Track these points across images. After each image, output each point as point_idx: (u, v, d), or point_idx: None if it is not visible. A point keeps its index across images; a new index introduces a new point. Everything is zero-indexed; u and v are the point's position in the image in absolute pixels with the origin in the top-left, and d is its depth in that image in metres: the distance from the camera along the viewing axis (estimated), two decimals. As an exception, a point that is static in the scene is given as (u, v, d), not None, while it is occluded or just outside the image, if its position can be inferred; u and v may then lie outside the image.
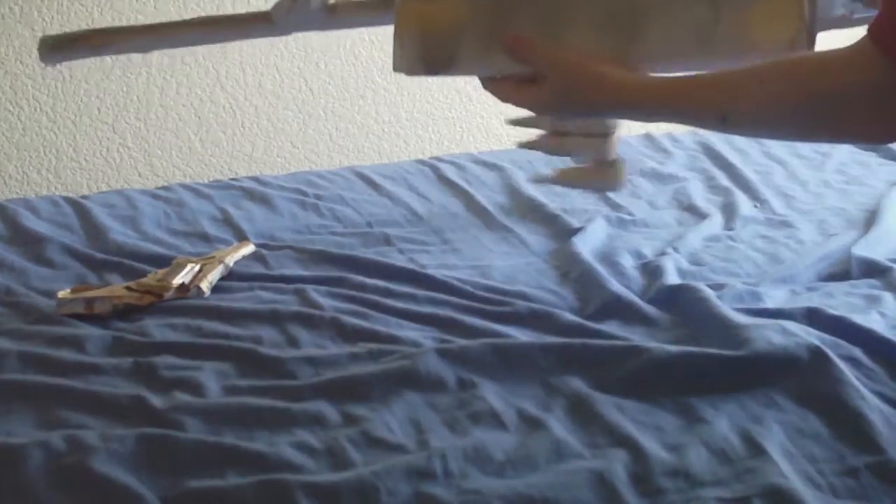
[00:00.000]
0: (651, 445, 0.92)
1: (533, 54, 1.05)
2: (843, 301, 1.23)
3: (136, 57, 2.14)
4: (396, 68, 1.10)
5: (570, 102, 1.12)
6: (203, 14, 2.18)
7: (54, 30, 2.06)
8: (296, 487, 0.86)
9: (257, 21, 1.22)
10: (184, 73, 2.18)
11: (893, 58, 0.86)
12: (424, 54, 1.08)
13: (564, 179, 1.50)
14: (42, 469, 0.89)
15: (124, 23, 2.12)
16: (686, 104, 1.02)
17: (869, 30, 0.88)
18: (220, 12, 2.19)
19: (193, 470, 0.90)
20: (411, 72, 1.10)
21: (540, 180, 1.64)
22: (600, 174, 1.45)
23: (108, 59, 2.12)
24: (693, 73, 1.01)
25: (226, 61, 2.22)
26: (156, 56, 2.16)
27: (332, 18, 1.20)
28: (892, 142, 0.96)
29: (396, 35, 1.09)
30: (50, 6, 2.06)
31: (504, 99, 1.12)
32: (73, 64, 2.09)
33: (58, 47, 1.30)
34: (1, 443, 0.93)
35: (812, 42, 1.04)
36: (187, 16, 2.16)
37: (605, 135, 1.47)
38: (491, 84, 1.11)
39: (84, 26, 2.08)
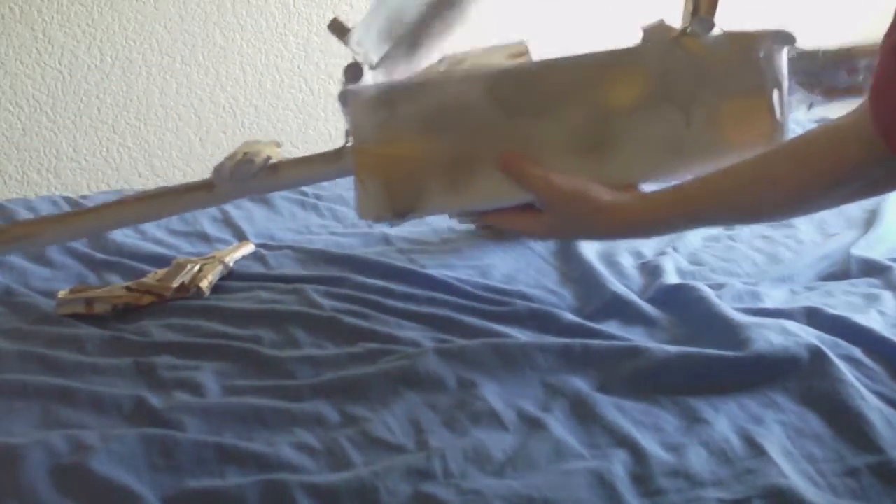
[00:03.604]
0: (651, 445, 0.92)
1: (527, 179, 1.03)
2: (842, 300, 1.23)
3: (137, 57, 2.14)
4: (363, 216, 1.07)
5: (574, 232, 1.12)
6: (204, 9, 2.18)
7: (54, 29, 2.06)
8: (296, 487, 0.86)
9: (198, 191, 1.19)
10: (184, 73, 2.19)
11: (876, 123, 0.84)
12: (391, 199, 1.05)
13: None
14: (42, 469, 0.89)
15: (124, 22, 2.12)
16: (696, 218, 1.03)
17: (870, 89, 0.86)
18: (220, 11, 2.19)
19: (193, 470, 0.90)
20: (379, 219, 1.07)
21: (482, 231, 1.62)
22: None
23: (108, 58, 2.12)
24: (692, 179, 1.00)
25: (226, 61, 2.22)
26: (156, 56, 2.16)
27: (275, 178, 1.17)
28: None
29: (359, 183, 1.05)
30: (50, 6, 2.06)
31: (505, 227, 1.10)
32: (73, 64, 2.09)
33: None
34: (1, 443, 0.93)
35: (785, 130, 1.04)
36: (187, 14, 2.17)
37: None
38: (485, 217, 1.09)
39: (84, 26, 2.08)
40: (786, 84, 1.04)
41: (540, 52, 1.11)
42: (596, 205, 1.02)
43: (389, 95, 1.04)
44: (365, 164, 1.05)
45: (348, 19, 1.10)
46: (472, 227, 1.59)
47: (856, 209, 1.63)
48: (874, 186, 0.94)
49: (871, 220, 1.55)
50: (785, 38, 1.03)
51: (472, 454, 0.91)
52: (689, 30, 1.03)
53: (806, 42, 1.11)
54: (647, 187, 1.06)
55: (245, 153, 1.15)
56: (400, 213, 1.07)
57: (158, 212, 1.23)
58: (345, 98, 1.06)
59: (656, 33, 1.04)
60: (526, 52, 1.08)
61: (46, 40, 2.07)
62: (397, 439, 0.95)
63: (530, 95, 1.04)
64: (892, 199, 1.62)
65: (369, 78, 1.05)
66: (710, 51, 1.03)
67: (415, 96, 1.04)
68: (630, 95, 1.03)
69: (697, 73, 1.03)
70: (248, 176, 1.13)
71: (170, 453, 0.92)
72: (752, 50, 1.03)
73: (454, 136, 1.04)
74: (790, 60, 1.06)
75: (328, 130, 2.34)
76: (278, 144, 1.20)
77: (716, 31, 1.03)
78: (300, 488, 0.86)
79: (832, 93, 1.15)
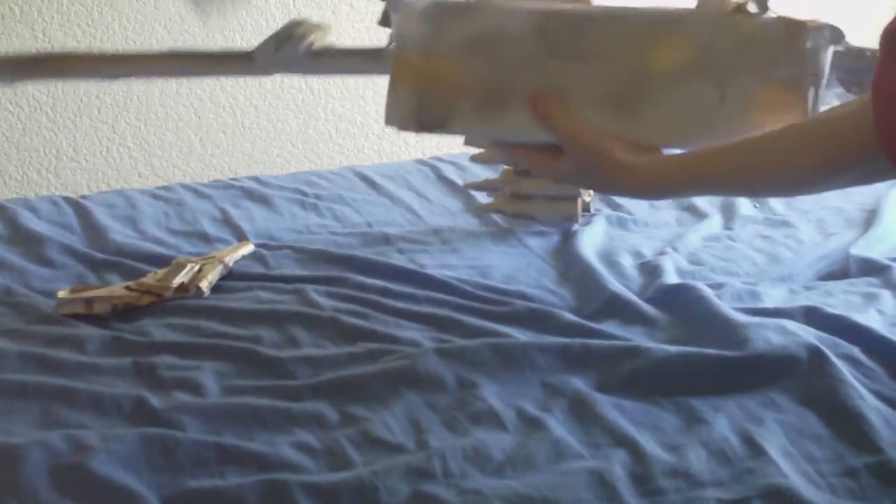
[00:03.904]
0: (651, 445, 0.93)
1: (553, 121, 1.05)
2: (841, 300, 1.24)
3: (136, 57, 2.14)
4: (388, 122, 1.09)
5: (588, 183, 1.15)
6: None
7: (54, 29, 2.06)
8: (296, 487, 0.86)
9: (238, 60, 1.22)
10: (184, 72, 2.18)
11: (877, 126, 0.85)
12: (419, 113, 1.07)
13: (514, 210, 1.52)
14: (42, 469, 0.89)
15: (124, 22, 2.12)
16: (706, 190, 1.08)
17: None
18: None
19: (193, 470, 0.90)
20: (403, 127, 1.09)
21: (483, 210, 1.63)
22: (553, 207, 1.48)
23: (107, 58, 2.12)
24: (712, 150, 1.01)
25: (225, 61, 2.21)
26: (156, 56, 2.16)
27: (315, 63, 1.20)
28: None
29: (392, 89, 1.07)
30: (50, 6, 2.06)
31: (523, 162, 1.12)
32: (73, 64, 2.09)
33: (16, 66, 1.29)
34: (1, 443, 0.93)
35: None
36: (187, 14, 2.17)
37: (570, 198, 1.50)
38: (507, 148, 1.11)
39: (84, 26, 2.08)
40: (825, 80, 1.04)
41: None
42: (615, 162, 1.03)
43: (440, 11, 1.06)
44: (402, 73, 1.07)
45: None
46: (471, 226, 1.59)
47: (855, 209, 1.63)
48: (877, 174, 0.94)
49: (870, 220, 1.55)
50: (835, 34, 1.03)
51: (471, 454, 0.91)
52: (743, 7, 1.04)
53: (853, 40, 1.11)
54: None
55: (291, 34, 1.17)
56: (425, 127, 1.09)
57: (196, 70, 1.27)
58: (397, 5, 1.07)
59: (711, 4, 1.05)
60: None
61: (46, 40, 2.07)
62: (397, 439, 0.95)
63: (576, 40, 1.05)
64: (891, 199, 1.62)
65: None
66: (759, 32, 1.04)
67: (463, 17, 1.06)
68: (671, 61, 1.04)
69: (742, 52, 1.04)
70: (290, 57, 1.16)
71: (170, 453, 0.92)
72: (800, 40, 1.03)
73: (493, 64, 1.06)
74: (836, 55, 1.06)
75: (328, 130, 2.34)
76: (326, 28, 1.22)
77: (769, 14, 1.03)
78: (300, 488, 0.86)
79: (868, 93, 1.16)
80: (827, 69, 1.04)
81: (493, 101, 1.06)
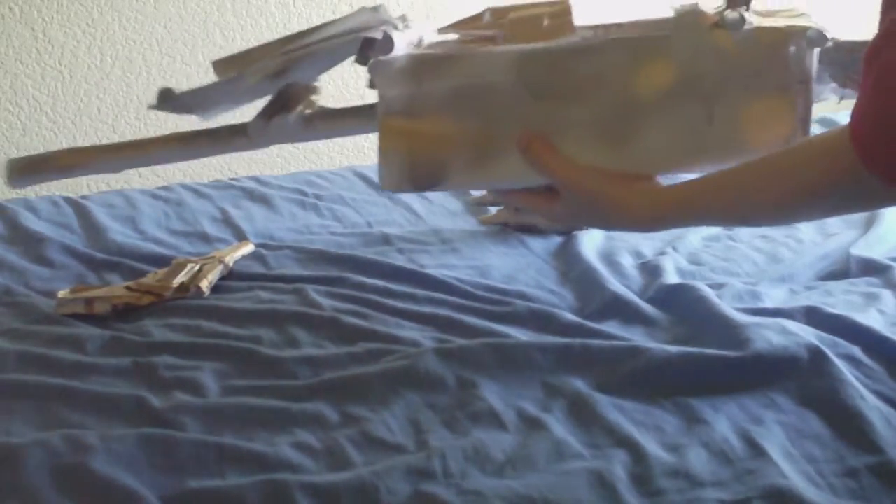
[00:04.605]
0: (651, 446, 0.93)
1: (543, 164, 1.04)
2: (842, 299, 1.24)
3: (137, 57, 2.14)
4: (384, 187, 1.08)
5: (586, 221, 1.15)
6: (204, 9, 2.18)
7: (54, 29, 2.06)
8: (296, 487, 0.86)
9: (234, 136, 1.23)
10: (184, 73, 2.19)
11: (857, 149, 0.84)
12: (412, 173, 1.06)
13: (518, 221, 1.51)
14: (42, 469, 0.89)
15: (124, 22, 2.12)
16: (698, 220, 1.10)
17: (851, 116, 0.85)
18: (220, 11, 2.19)
19: (193, 470, 0.90)
20: (399, 190, 1.09)
21: (487, 222, 1.62)
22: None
23: (108, 58, 2.12)
24: (701, 179, 1.01)
25: (226, 61, 2.21)
26: (156, 56, 2.16)
27: (309, 130, 1.19)
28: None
29: (381, 154, 1.06)
30: (50, 6, 2.06)
31: (521, 205, 1.12)
32: (73, 64, 2.09)
33: (26, 170, 1.29)
34: (1, 443, 0.93)
35: (806, 132, 1.03)
36: (187, 14, 2.17)
37: None
38: (504, 194, 1.11)
39: (84, 26, 2.08)
40: (813, 85, 1.02)
41: (581, 9, 1.10)
42: (608, 202, 1.03)
43: (417, 69, 1.04)
44: (389, 136, 1.06)
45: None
46: (471, 226, 1.59)
47: (856, 209, 1.63)
48: (856, 201, 0.94)
49: (870, 220, 1.55)
50: (817, 37, 1.01)
51: (472, 454, 0.92)
52: (721, 20, 1.02)
53: (840, 33, 1.09)
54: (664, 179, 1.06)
55: (282, 105, 1.17)
56: (420, 187, 1.09)
57: (197, 152, 1.27)
58: (374, 69, 1.06)
59: (689, 19, 1.03)
60: (568, 10, 1.08)
61: (46, 40, 2.07)
62: (397, 439, 0.95)
63: (557, 78, 1.04)
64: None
65: (402, 47, 1.05)
66: (739, 47, 1.02)
67: (442, 72, 1.04)
68: (655, 87, 1.03)
69: (724, 69, 1.02)
70: (282, 128, 1.16)
71: (170, 453, 0.92)
72: (782, 48, 1.02)
73: (478, 116, 1.05)
74: (825, 52, 1.05)
75: (328, 130, 2.34)
76: (317, 90, 1.22)
77: (748, 25, 1.02)
78: (300, 488, 0.86)
79: None
80: (814, 73, 1.03)
81: (484, 153, 1.05)
